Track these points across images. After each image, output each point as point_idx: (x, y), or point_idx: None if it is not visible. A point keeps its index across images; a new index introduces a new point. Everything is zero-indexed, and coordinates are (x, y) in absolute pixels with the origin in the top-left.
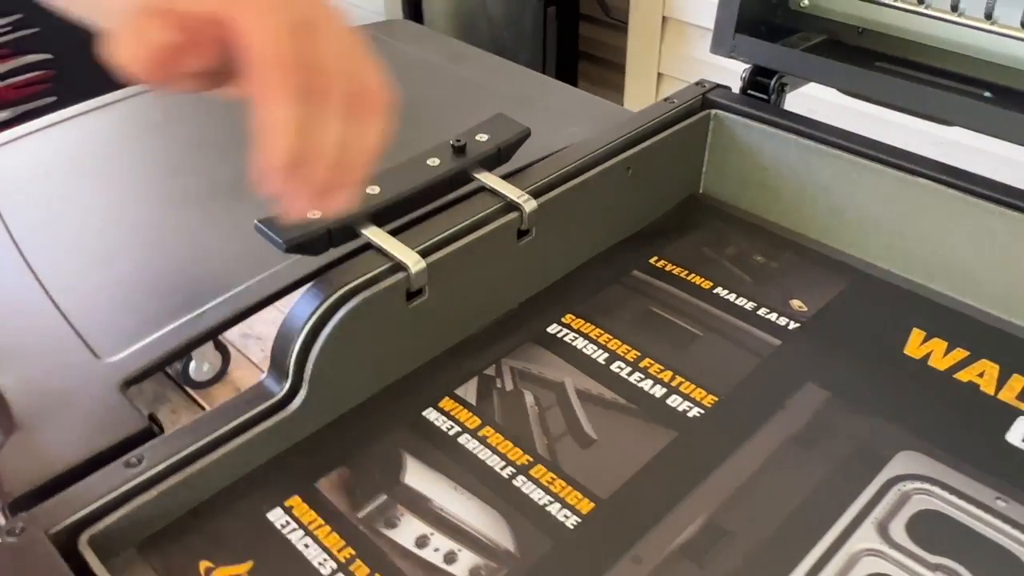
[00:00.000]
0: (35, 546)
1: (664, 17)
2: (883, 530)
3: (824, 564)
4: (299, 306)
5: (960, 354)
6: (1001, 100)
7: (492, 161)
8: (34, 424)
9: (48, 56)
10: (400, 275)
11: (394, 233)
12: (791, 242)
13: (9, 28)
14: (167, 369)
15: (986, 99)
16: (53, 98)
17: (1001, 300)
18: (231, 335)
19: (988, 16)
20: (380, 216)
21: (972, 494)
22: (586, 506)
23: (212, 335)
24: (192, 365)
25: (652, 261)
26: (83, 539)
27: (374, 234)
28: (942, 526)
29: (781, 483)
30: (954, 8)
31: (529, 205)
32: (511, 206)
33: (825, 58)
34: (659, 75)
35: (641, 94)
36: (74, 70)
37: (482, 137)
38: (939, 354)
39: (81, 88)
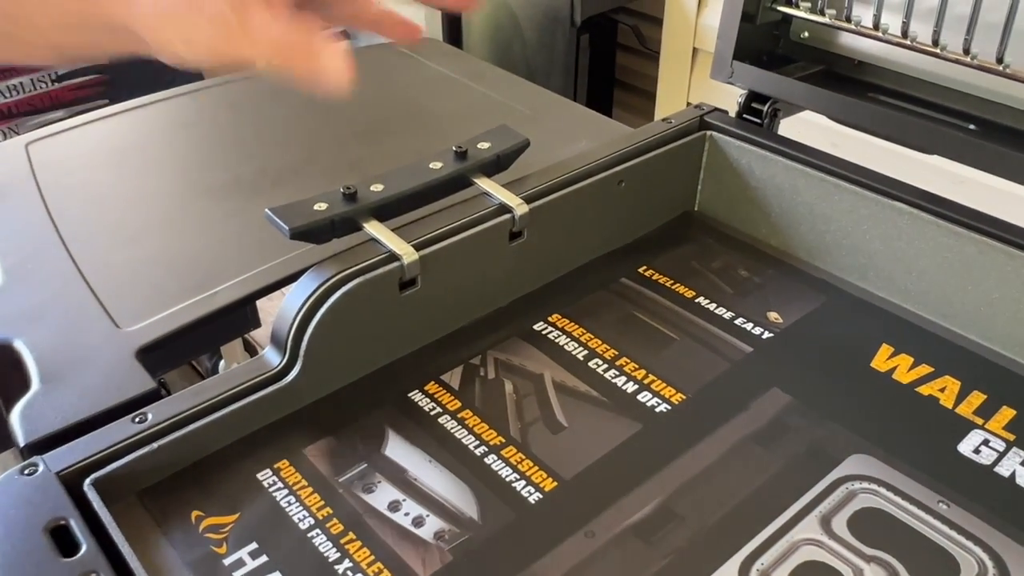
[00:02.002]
0: (45, 484)
1: (695, 48)
2: (826, 523)
3: (764, 550)
4: (299, 286)
5: (924, 369)
6: (984, 133)
7: (491, 167)
8: (54, 381)
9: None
10: (394, 264)
11: (394, 229)
12: (775, 259)
13: None
14: (197, 367)
15: (969, 131)
16: (105, 100)
17: (969, 321)
18: (259, 336)
19: (966, 51)
20: (381, 212)
21: (916, 496)
22: (549, 484)
23: (222, 313)
24: (221, 364)
25: (640, 270)
26: (88, 482)
27: (373, 227)
28: (883, 523)
29: (734, 475)
30: (935, 43)
31: (521, 209)
32: (504, 209)
33: (816, 87)
34: (688, 104)
35: None
36: (125, 76)
37: (484, 145)
38: (904, 368)
39: (131, 93)
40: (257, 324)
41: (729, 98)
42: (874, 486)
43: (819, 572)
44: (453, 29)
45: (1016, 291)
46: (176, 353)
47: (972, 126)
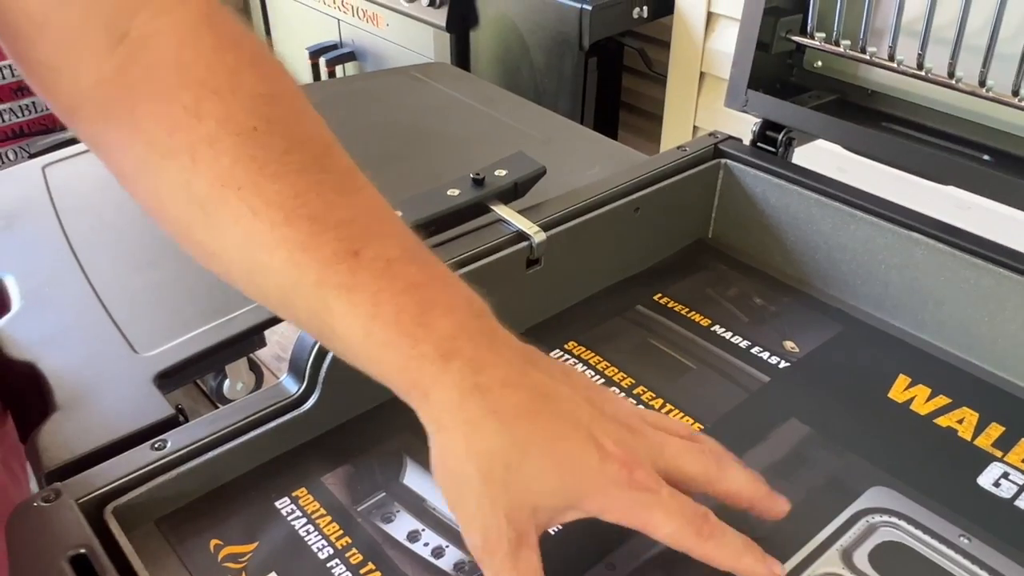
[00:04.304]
0: (65, 512)
1: (702, 73)
2: (847, 557)
3: None
4: None
5: (942, 400)
6: (999, 164)
7: (508, 195)
8: (73, 407)
9: None
10: None
11: None
12: (790, 287)
13: None
14: (201, 385)
15: (984, 162)
16: None
17: (987, 352)
18: (265, 355)
19: (981, 83)
20: None
21: (937, 530)
22: None
23: (242, 337)
24: (227, 383)
25: (656, 297)
26: (108, 510)
27: None
28: (904, 557)
29: None
30: (950, 75)
31: (539, 237)
32: (522, 236)
33: (831, 116)
34: (695, 128)
35: (676, 145)
36: None
37: (501, 172)
38: (922, 399)
39: None
40: (263, 343)
41: (737, 122)
42: (895, 519)
43: None
44: (461, 52)
45: None
46: (186, 376)
47: (987, 157)
